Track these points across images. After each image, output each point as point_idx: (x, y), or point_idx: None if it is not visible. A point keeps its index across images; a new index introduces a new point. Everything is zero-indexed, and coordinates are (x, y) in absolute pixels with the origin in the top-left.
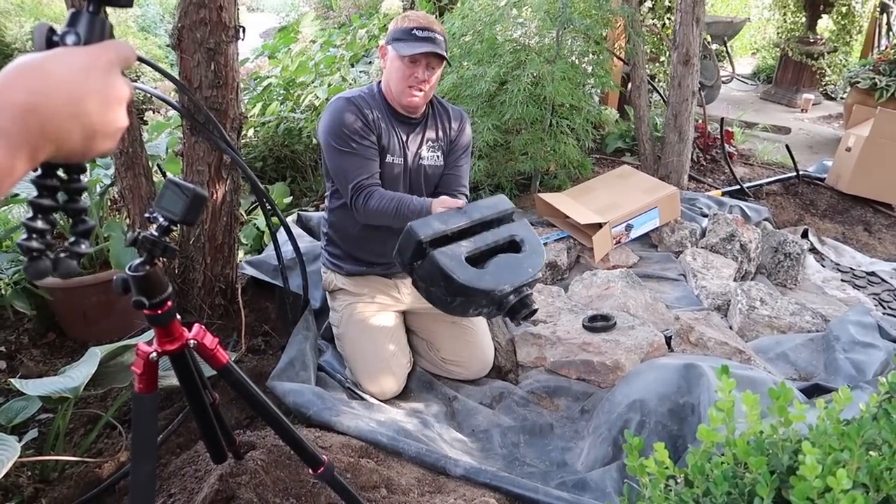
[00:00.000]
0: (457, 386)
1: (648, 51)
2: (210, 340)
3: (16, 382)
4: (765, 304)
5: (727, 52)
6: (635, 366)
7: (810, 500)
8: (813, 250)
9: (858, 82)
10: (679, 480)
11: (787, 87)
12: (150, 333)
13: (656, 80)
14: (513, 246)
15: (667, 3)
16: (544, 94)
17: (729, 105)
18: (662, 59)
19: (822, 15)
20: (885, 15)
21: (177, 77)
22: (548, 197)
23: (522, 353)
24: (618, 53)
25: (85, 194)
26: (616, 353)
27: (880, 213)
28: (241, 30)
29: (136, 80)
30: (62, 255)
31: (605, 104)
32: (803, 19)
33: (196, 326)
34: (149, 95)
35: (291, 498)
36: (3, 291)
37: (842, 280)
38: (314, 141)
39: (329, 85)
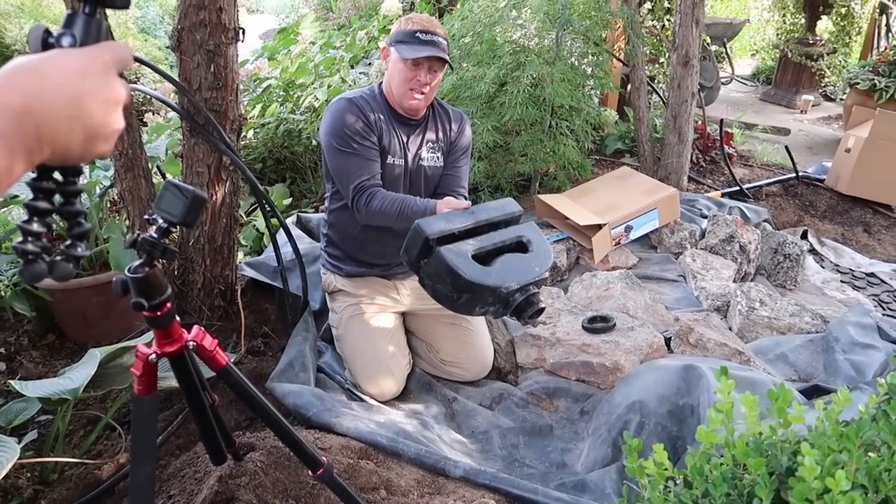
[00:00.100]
0: (456, 387)
1: (648, 52)
2: (209, 342)
3: (15, 384)
4: (764, 305)
5: (727, 53)
6: (635, 367)
7: (809, 502)
8: (812, 251)
9: (858, 83)
10: (678, 482)
11: (786, 88)
12: (150, 335)
13: (656, 81)
14: (520, 246)
15: (666, 4)
16: (544, 96)
17: (728, 106)
18: (662, 60)
19: (822, 16)
20: (884, 16)
21: (176, 79)
22: (547, 198)
23: (522, 355)
24: (617, 55)
25: (81, 197)
26: (615, 355)
27: (880, 214)
28: (240, 31)
29: (136, 82)
30: (58, 258)
31: (605, 105)
32: (803, 20)
33: (195, 328)
34: (149, 97)
35: (291, 499)
36: (2, 293)
37: (841, 281)
38: (314, 142)
39: (329, 86)
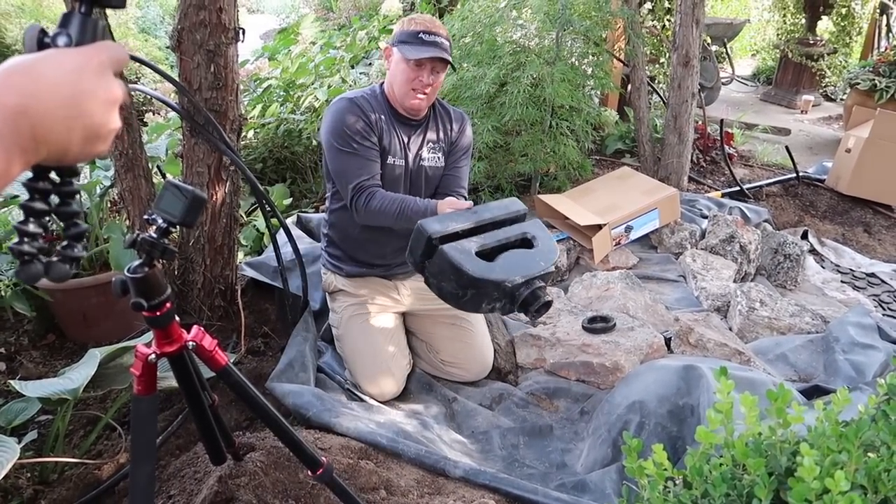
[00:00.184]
0: (456, 387)
1: (648, 52)
2: (209, 342)
3: (15, 384)
4: (764, 305)
5: (727, 53)
6: (635, 367)
7: (808, 502)
8: (813, 251)
9: (858, 84)
10: (678, 482)
11: (786, 88)
12: (150, 335)
13: (656, 81)
14: (525, 243)
15: (667, 4)
16: (544, 96)
17: (729, 106)
18: (662, 60)
19: (822, 16)
20: (884, 16)
21: (176, 79)
22: (547, 198)
23: (522, 355)
24: (617, 55)
25: (77, 197)
26: (615, 355)
27: (880, 215)
28: (240, 32)
29: (136, 82)
30: (55, 258)
31: (605, 106)
32: (803, 21)
33: (195, 328)
34: (149, 97)
35: (290, 499)
36: (2, 293)
37: (841, 281)
38: (314, 142)
39: (329, 86)
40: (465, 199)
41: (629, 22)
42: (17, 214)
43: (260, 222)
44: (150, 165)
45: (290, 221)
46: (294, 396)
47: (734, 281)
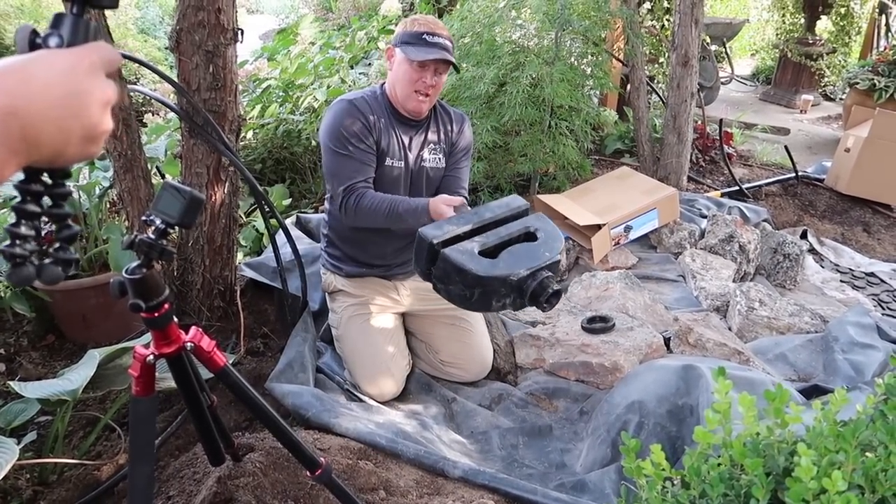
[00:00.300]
0: (455, 387)
1: (647, 52)
2: (207, 343)
3: (14, 385)
4: (764, 305)
5: (726, 53)
6: (634, 367)
7: (805, 502)
8: (812, 251)
9: (857, 83)
10: (676, 482)
11: (786, 88)
12: (149, 336)
13: (655, 81)
14: (528, 237)
15: (665, 4)
16: (543, 96)
17: (728, 106)
18: (661, 60)
19: (821, 16)
20: (883, 16)
21: (175, 79)
22: (547, 198)
23: (521, 355)
24: (617, 55)
25: (70, 199)
26: (615, 355)
27: (879, 214)
28: (239, 32)
29: (135, 83)
30: (47, 261)
31: (604, 105)
32: (802, 20)
33: (193, 329)
34: (148, 98)
35: (290, 500)
36: (2, 294)
37: (841, 281)
38: (313, 143)
39: (328, 87)
40: (466, 199)
41: (628, 22)
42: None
43: (259, 223)
44: (149, 166)
45: (289, 222)
46: (293, 397)
47: (733, 281)
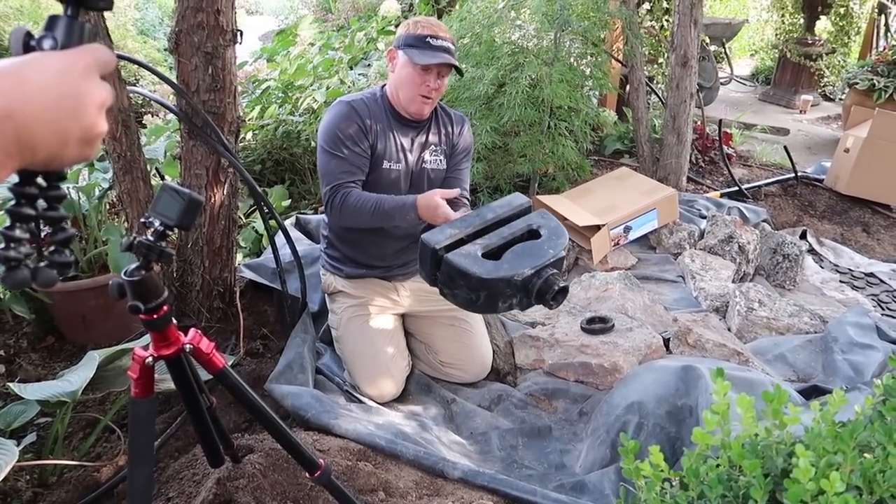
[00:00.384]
0: (455, 388)
1: (646, 53)
2: (206, 345)
3: (14, 386)
4: (763, 305)
5: (725, 53)
6: (633, 368)
7: (803, 503)
8: (811, 251)
9: (857, 83)
10: (674, 483)
11: (785, 88)
12: (149, 337)
13: (654, 81)
14: (531, 234)
15: (665, 4)
16: (542, 97)
17: (727, 106)
18: (661, 60)
19: (821, 16)
20: (883, 16)
21: (174, 81)
22: (546, 199)
23: (521, 356)
24: (616, 55)
25: (64, 202)
26: (614, 355)
27: (879, 214)
28: (238, 34)
29: (134, 84)
30: (42, 264)
31: (604, 106)
32: (801, 21)
33: (192, 331)
34: (147, 99)
35: (289, 502)
36: (1, 295)
37: (840, 281)
38: (313, 144)
39: (327, 88)
40: (467, 200)
41: (627, 22)
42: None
43: (259, 224)
44: (148, 167)
45: (288, 223)
46: (293, 398)
47: (733, 281)
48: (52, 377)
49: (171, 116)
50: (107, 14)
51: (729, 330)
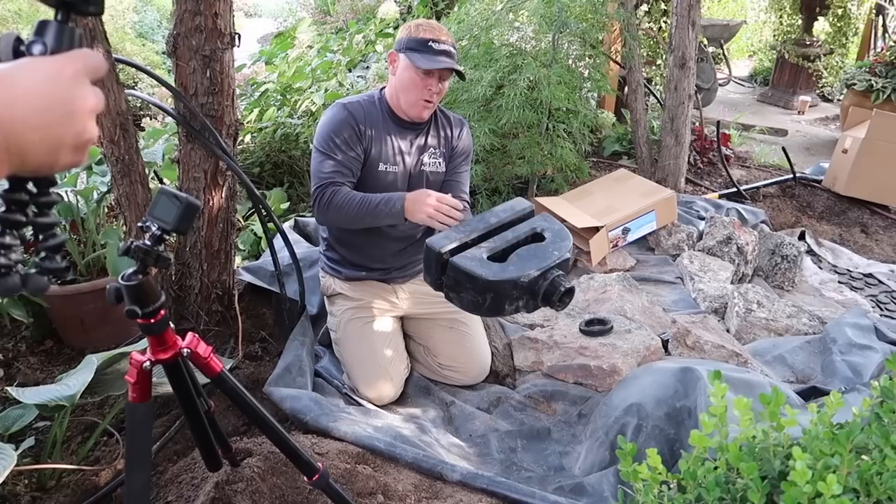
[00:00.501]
0: (454, 391)
1: (645, 54)
2: (203, 349)
3: (12, 391)
4: (762, 306)
5: (724, 54)
6: (632, 370)
7: None
8: (810, 252)
9: (855, 84)
10: (672, 486)
11: (783, 89)
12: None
13: (653, 83)
14: (536, 237)
15: (663, 6)
16: (541, 98)
17: (726, 107)
18: (659, 62)
19: (819, 17)
20: (881, 17)
21: (173, 84)
22: (545, 201)
23: (520, 358)
24: (614, 57)
25: (55, 208)
26: (613, 357)
27: (877, 215)
28: (236, 37)
29: (133, 87)
30: (33, 270)
31: (602, 108)
32: (799, 21)
33: (189, 335)
34: (145, 102)
35: None
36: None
37: (839, 282)
38: (311, 146)
39: (326, 90)
40: (468, 203)
41: (625, 24)
42: None
43: (257, 227)
44: (146, 171)
45: (287, 225)
46: (292, 401)
47: (731, 282)
48: (51, 381)
49: (169, 120)
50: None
51: (728, 331)
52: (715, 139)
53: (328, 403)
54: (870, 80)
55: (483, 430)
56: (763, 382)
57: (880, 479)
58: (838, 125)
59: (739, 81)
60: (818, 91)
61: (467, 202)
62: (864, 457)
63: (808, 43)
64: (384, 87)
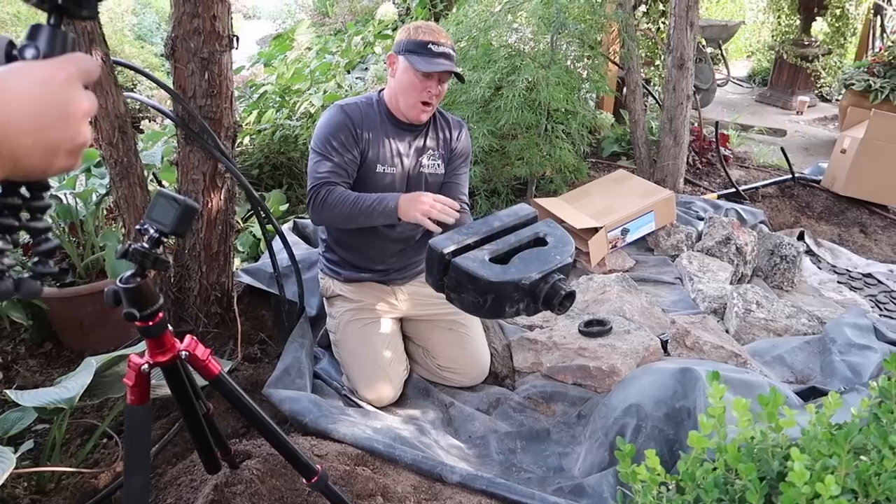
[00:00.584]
0: (453, 392)
1: (643, 55)
2: (202, 351)
3: (11, 394)
4: (761, 307)
5: (722, 55)
6: (631, 370)
7: None
8: (809, 252)
9: (853, 84)
10: (671, 487)
11: (782, 89)
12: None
13: (651, 83)
14: (538, 242)
15: (661, 7)
16: (539, 99)
17: (724, 108)
18: (657, 62)
19: (817, 17)
20: (878, 17)
21: (171, 86)
22: (544, 202)
23: (519, 359)
24: (612, 58)
25: (48, 212)
26: (612, 358)
27: (876, 215)
28: (235, 39)
29: (131, 90)
30: (26, 275)
31: (601, 109)
32: (798, 22)
33: (188, 337)
34: (144, 104)
35: None
36: None
37: (838, 282)
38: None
39: (325, 92)
40: (467, 205)
41: (624, 25)
42: None
43: (256, 228)
44: (145, 173)
45: (286, 227)
46: (291, 402)
47: (730, 283)
48: (50, 383)
49: (167, 122)
50: (104, 19)
51: (727, 332)
52: (714, 140)
53: (327, 405)
54: (868, 80)
55: (482, 431)
56: (762, 383)
57: (878, 480)
58: (837, 125)
59: (738, 82)
60: (816, 91)
61: (466, 204)
62: (862, 457)
63: (806, 43)
64: (383, 89)
